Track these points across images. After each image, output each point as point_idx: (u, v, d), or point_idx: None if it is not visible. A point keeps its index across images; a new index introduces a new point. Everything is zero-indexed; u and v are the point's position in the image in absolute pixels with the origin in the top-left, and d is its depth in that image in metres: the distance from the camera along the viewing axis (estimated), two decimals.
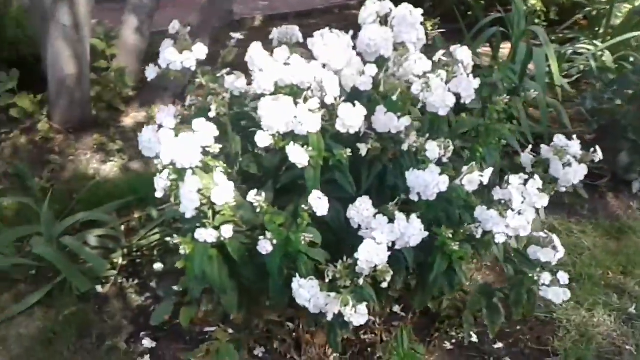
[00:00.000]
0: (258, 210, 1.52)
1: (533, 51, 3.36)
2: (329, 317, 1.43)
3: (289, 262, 1.54)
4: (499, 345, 2.12)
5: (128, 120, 3.57)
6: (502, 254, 1.76)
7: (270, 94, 1.62)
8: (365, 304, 1.43)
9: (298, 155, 1.56)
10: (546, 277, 1.63)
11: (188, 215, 1.52)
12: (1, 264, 2.41)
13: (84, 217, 2.57)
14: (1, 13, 3.69)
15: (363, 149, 1.63)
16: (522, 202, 1.67)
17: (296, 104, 1.57)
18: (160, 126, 1.62)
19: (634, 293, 2.37)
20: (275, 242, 1.48)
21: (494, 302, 1.80)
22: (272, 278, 1.54)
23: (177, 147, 1.54)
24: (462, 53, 1.76)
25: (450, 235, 1.61)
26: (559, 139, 1.92)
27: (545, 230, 1.70)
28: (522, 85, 3.29)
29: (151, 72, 1.78)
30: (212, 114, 1.71)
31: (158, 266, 2.40)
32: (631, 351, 2.12)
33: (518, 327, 2.19)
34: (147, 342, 2.14)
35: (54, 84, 3.29)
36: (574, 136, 1.91)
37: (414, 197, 1.60)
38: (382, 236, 1.47)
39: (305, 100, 1.57)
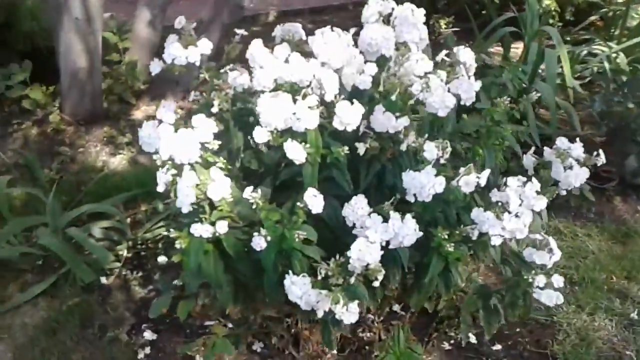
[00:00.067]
0: (254, 206, 1.53)
1: (545, 52, 3.34)
2: (319, 315, 1.44)
3: (284, 258, 1.54)
4: (498, 347, 2.12)
5: (139, 114, 3.60)
6: (499, 256, 1.76)
7: (270, 91, 1.63)
8: (356, 302, 1.43)
9: (296, 152, 1.57)
10: (540, 280, 1.62)
11: (184, 210, 1.54)
12: (9, 253, 2.45)
13: (90, 208, 2.60)
14: (17, 5, 3.73)
15: (361, 148, 1.64)
16: (520, 205, 1.67)
17: (295, 101, 1.58)
18: (160, 121, 1.63)
19: (636, 298, 2.36)
20: (269, 238, 1.49)
21: (491, 304, 1.79)
22: (267, 274, 1.55)
23: (176, 143, 1.55)
24: (465, 54, 1.76)
25: (446, 236, 1.61)
26: (562, 142, 1.92)
27: (542, 233, 1.69)
28: (532, 86, 3.27)
29: (156, 67, 1.80)
30: (214, 109, 1.72)
31: (162, 259, 2.41)
32: (631, 357, 2.11)
33: (517, 330, 2.19)
34: (148, 334, 2.17)
35: (66, 76, 3.33)
36: (577, 139, 1.90)
37: (410, 198, 1.60)
38: (375, 235, 1.47)
39: (304, 97, 1.58)
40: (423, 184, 1.56)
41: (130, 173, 3.08)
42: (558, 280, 1.63)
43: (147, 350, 2.11)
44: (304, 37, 1.80)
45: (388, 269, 1.67)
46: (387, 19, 1.80)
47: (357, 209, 1.54)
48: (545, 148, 1.94)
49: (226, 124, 1.76)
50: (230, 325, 2.04)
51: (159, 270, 2.44)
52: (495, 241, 1.63)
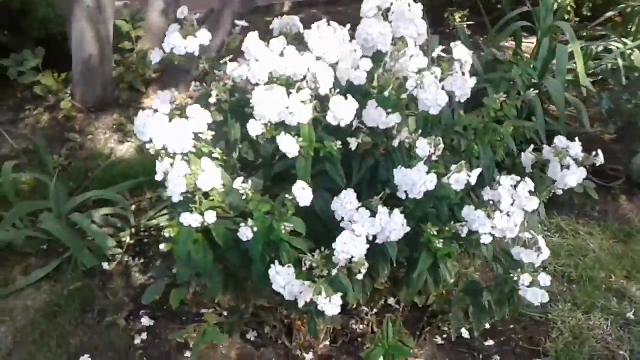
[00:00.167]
0: (244, 197, 1.55)
1: (556, 47, 3.30)
2: (300, 305, 1.46)
3: (273, 250, 1.56)
4: (490, 342, 2.13)
5: (148, 102, 3.63)
6: (491, 254, 1.76)
7: (265, 84, 1.64)
8: (340, 294, 1.45)
9: (289, 145, 1.58)
10: (526, 279, 1.62)
11: (175, 200, 1.57)
12: (14, 237, 2.50)
13: (94, 195, 2.64)
14: None
15: (353, 143, 1.64)
16: (512, 204, 1.66)
17: (289, 94, 1.59)
18: (156, 111, 1.66)
19: (634, 298, 2.34)
20: (256, 229, 1.51)
21: (480, 300, 1.80)
22: (255, 265, 1.58)
23: (169, 132, 1.58)
24: (459, 51, 1.75)
25: (435, 233, 1.61)
26: (560, 140, 1.90)
27: (531, 231, 1.68)
28: (542, 82, 3.24)
29: (156, 56, 1.82)
30: (212, 100, 1.74)
31: (163, 246, 2.45)
32: (625, 356, 2.10)
33: (511, 326, 2.19)
34: (146, 321, 2.20)
35: (78, 63, 3.37)
36: (577, 138, 1.88)
37: (401, 195, 1.61)
38: (362, 229, 1.48)
39: (298, 91, 1.59)
40: (414, 181, 1.57)
41: (137, 161, 3.12)
42: (545, 279, 1.63)
43: (144, 336, 2.15)
44: (302, 30, 1.81)
45: (377, 263, 1.69)
46: (386, 14, 1.80)
47: (346, 203, 1.55)
48: (544, 146, 1.93)
49: (225, 115, 1.78)
50: (225, 313, 2.07)
51: (160, 258, 2.48)
52: (485, 240, 1.64)
